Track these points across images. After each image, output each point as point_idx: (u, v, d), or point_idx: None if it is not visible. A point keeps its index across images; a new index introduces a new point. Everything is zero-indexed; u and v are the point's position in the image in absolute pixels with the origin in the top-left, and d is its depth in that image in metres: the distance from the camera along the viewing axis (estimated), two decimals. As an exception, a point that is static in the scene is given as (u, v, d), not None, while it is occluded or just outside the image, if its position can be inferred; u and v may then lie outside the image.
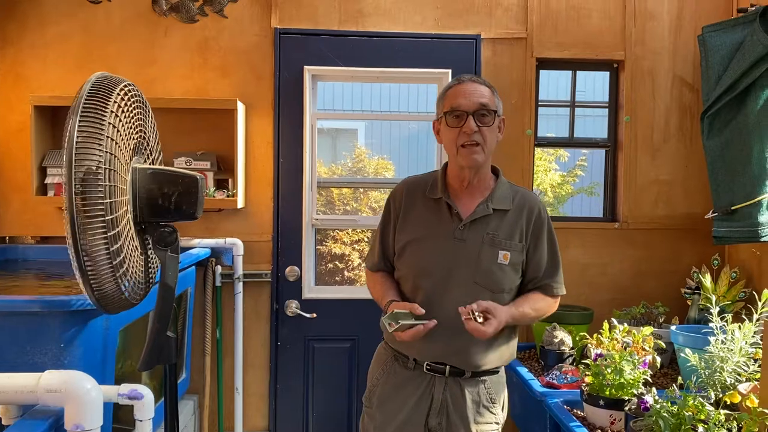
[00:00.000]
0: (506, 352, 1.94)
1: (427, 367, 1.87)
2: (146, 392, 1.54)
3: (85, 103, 1.42)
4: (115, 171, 1.44)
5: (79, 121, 1.40)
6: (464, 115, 1.81)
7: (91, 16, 2.98)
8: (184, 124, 2.97)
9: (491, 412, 1.91)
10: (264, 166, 3.04)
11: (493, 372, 1.93)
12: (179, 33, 3.01)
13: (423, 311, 1.75)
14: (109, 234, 1.41)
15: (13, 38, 2.96)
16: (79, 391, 1.39)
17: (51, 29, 2.97)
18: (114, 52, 2.99)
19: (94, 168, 1.40)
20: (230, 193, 2.93)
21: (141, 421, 1.54)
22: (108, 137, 1.42)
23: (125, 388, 1.54)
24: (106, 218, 1.41)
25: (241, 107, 2.92)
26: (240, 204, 2.94)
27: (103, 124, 1.43)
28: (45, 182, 2.86)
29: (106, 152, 1.41)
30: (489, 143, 1.84)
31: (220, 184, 2.97)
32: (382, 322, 1.77)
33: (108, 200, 1.41)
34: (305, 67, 2.99)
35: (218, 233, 3.02)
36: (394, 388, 1.93)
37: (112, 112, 1.45)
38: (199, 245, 2.91)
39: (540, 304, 1.94)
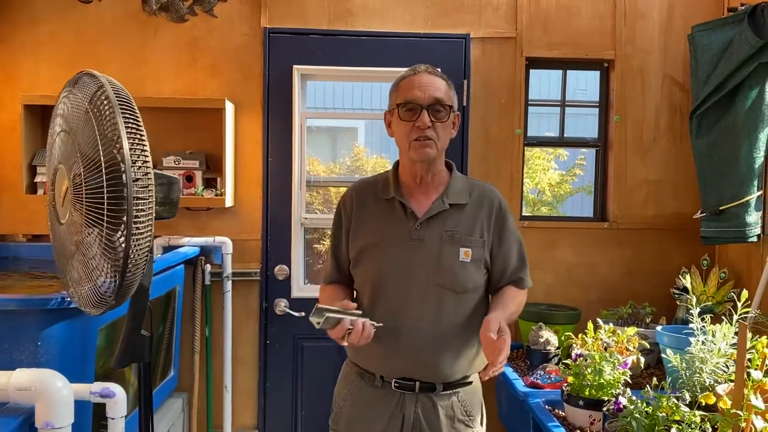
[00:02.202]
0: (477, 358, 1.82)
1: (396, 384, 1.76)
2: (118, 390, 1.56)
3: (119, 102, 1.43)
4: (152, 169, 1.47)
5: (123, 119, 1.41)
6: (418, 109, 1.70)
7: (82, 16, 2.99)
8: (173, 123, 2.98)
9: (468, 426, 1.80)
10: (253, 165, 3.05)
11: (467, 383, 1.82)
12: (169, 32, 3.02)
13: (354, 305, 1.66)
14: (152, 230, 1.45)
15: (4, 36, 2.97)
16: (49, 390, 1.40)
17: (42, 28, 2.99)
18: (104, 51, 3.00)
19: (144, 165, 1.42)
20: (219, 192, 2.94)
21: (113, 419, 1.55)
22: (145, 136, 1.45)
23: (97, 386, 1.55)
24: (152, 215, 1.44)
25: (229, 106, 2.93)
26: (229, 203, 2.95)
27: (139, 123, 1.45)
28: (35, 181, 2.88)
29: (148, 151, 1.44)
30: (442, 139, 1.74)
31: (209, 183, 2.98)
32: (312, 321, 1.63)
33: (154, 198, 1.44)
34: (294, 66, 2.99)
35: (207, 232, 3.03)
36: (363, 409, 1.81)
37: (136, 111, 1.47)
38: (188, 244, 2.93)
39: (519, 299, 1.83)
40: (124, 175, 1.38)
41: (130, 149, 1.40)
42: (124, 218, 1.39)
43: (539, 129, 3.60)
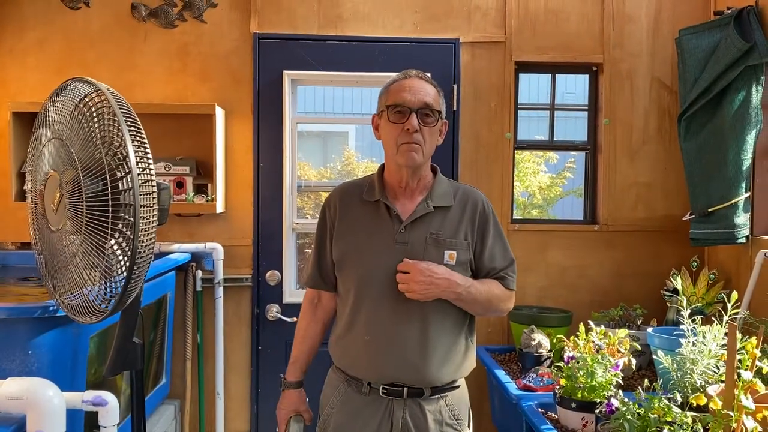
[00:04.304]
0: (464, 362, 1.84)
1: (383, 390, 1.76)
2: (110, 398, 1.55)
3: (120, 108, 1.43)
4: (155, 175, 1.47)
5: (127, 125, 1.41)
6: (407, 111, 1.72)
7: (71, 22, 2.98)
8: (164, 129, 2.96)
9: (457, 430, 1.81)
10: (244, 171, 3.05)
11: (454, 387, 1.83)
12: (158, 38, 3.01)
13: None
14: (155, 236, 1.45)
15: (-8, 44, 2.96)
16: (40, 399, 1.40)
17: (30, 34, 2.97)
18: (93, 57, 2.99)
19: (144, 172, 1.42)
20: (209, 198, 2.93)
21: (105, 427, 1.54)
22: (146, 142, 1.45)
23: (89, 394, 1.54)
24: (156, 221, 1.44)
25: (220, 112, 2.93)
26: (219, 209, 2.95)
27: (140, 129, 1.45)
28: (24, 188, 2.86)
29: (150, 157, 1.44)
30: (429, 145, 1.75)
31: (200, 189, 2.97)
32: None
33: (159, 206, 1.44)
34: (284, 71, 3.00)
35: (198, 238, 3.02)
36: (351, 416, 1.80)
37: (136, 117, 1.47)
38: (179, 250, 2.92)
39: (495, 290, 1.82)
40: (129, 182, 1.38)
41: (136, 152, 1.40)
42: (120, 225, 1.38)
43: (529, 132, 3.62)
